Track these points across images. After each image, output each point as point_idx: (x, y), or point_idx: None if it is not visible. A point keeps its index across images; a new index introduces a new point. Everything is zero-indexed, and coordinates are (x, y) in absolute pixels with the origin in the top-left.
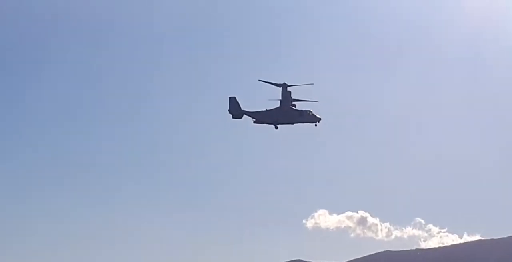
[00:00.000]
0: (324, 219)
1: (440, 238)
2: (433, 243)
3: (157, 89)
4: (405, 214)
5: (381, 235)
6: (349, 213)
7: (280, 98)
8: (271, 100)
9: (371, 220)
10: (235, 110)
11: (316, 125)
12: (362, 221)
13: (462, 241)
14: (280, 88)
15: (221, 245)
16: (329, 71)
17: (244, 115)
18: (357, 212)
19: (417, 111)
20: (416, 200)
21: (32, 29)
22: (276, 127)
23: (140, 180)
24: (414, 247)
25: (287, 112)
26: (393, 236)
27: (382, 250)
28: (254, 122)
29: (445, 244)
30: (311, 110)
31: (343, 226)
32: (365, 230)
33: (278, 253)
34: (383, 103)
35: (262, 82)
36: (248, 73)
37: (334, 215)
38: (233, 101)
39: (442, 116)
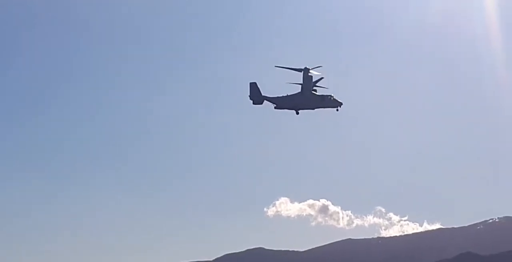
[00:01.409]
0: (286, 207)
1: (400, 226)
2: (394, 231)
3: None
4: (366, 203)
5: (342, 223)
6: (311, 201)
7: (301, 83)
8: (291, 85)
9: (332, 208)
10: (256, 96)
11: (337, 110)
12: (323, 210)
13: (422, 229)
14: (302, 73)
15: (181, 233)
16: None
17: (265, 101)
18: (319, 200)
19: (379, 103)
20: (377, 189)
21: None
22: (297, 113)
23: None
24: (375, 235)
25: (308, 98)
26: (354, 225)
27: (344, 238)
28: (275, 108)
29: (406, 233)
30: (333, 95)
31: (304, 214)
32: (327, 218)
33: (239, 241)
34: (345, 95)
35: (281, 68)
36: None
37: (296, 203)
38: (254, 87)
39: (404, 107)
